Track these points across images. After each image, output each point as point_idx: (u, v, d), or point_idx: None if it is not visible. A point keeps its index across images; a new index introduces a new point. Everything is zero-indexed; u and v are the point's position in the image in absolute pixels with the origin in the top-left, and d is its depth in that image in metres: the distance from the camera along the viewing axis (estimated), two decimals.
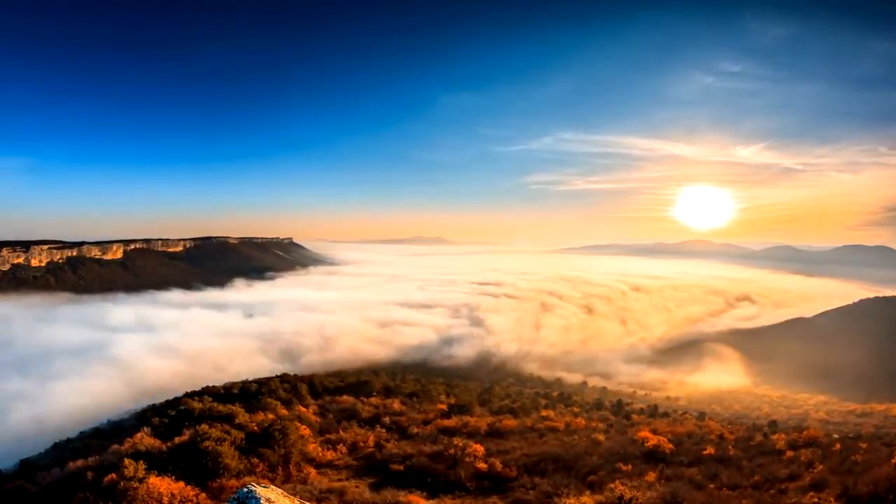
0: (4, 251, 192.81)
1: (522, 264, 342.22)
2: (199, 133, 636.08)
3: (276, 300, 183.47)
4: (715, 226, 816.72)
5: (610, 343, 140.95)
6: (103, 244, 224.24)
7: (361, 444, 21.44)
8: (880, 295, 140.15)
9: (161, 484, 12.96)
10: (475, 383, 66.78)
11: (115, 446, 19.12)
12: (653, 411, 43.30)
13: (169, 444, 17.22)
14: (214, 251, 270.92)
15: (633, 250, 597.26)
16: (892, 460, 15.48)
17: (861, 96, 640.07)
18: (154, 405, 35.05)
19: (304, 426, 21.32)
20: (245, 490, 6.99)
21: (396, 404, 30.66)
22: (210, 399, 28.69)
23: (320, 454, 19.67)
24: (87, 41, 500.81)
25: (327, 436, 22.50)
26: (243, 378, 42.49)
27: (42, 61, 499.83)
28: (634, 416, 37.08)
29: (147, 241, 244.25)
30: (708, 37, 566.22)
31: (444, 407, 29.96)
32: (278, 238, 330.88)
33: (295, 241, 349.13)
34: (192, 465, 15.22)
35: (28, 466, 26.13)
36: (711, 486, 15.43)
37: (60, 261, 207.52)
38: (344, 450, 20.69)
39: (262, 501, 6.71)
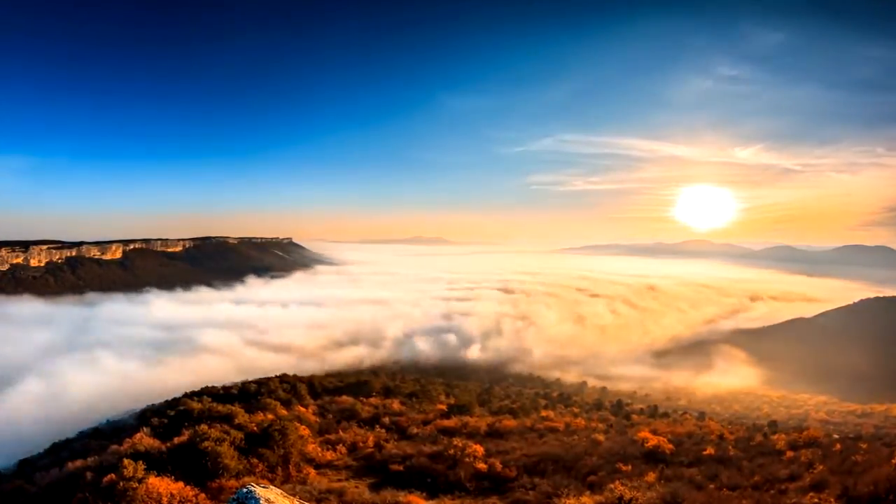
0: (3, 251, 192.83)
1: (531, 264, 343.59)
2: (199, 132, 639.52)
3: (312, 297, 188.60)
4: (715, 226, 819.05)
5: (619, 344, 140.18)
6: (102, 244, 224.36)
7: (361, 445, 21.38)
8: (881, 295, 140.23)
9: (160, 484, 12.92)
10: (475, 383, 66.78)
11: (115, 446, 18.95)
12: (653, 411, 43.24)
13: (168, 444, 17.15)
14: (214, 251, 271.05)
15: (633, 250, 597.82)
16: (893, 461, 15.43)
17: (858, 99, 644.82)
18: (153, 405, 34.99)
19: (303, 426, 21.26)
20: (244, 490, 6.97)
21: (396, 404, 30.64)
22: (209, 399, 28.64)
23: (320, 454, 19.60)
24: (87, 38, 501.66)
25: (327, 436, 22.44)
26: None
27: (41, 59, 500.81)
28: (634, 417, 37.02)
29: (146, 241, 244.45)
30: (706, 42, 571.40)
31: (443, 407, 29.97)
32: (278, 238, 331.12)
33: (294, 241, 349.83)
34: (192, 466, 15.18)
35: (27, 466, 26.08)
36: (711, 486, 15.38)
37: (59, 261, 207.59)
38: (343, 450, 20.63)
39: (261, 502, 6.70)
